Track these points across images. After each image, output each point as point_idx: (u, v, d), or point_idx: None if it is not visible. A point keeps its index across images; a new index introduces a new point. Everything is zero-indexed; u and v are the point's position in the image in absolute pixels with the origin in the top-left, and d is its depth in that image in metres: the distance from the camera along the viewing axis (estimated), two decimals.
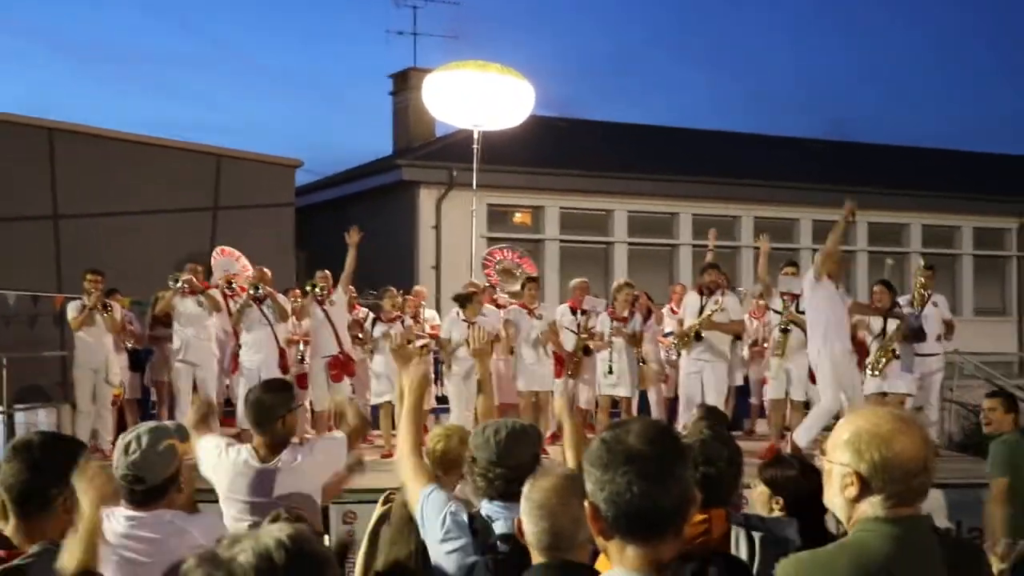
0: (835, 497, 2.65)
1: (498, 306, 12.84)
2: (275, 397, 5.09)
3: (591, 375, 12.46)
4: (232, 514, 4.96)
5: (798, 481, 4.41)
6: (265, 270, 12.59)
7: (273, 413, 5.01)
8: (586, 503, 2.29)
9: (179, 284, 11.99)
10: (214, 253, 13.66)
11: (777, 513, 4.20)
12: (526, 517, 2.95)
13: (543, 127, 22.15)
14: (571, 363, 12.29)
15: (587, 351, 12.29)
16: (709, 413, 5.38)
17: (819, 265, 10.73)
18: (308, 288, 12.35)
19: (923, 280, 12.06)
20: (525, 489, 3.00)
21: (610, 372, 12.05)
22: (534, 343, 12.09)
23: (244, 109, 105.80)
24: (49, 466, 3.26)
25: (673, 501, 2.22)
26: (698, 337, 11.69)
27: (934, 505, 2.76)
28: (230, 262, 13.26)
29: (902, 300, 12.06)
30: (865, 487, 2.57)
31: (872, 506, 2.56)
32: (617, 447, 2.24)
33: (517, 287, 13.55)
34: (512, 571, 3.26)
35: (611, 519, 2.22)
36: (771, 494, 4.29)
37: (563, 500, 2.90)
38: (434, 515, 3.77)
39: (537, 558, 2.94)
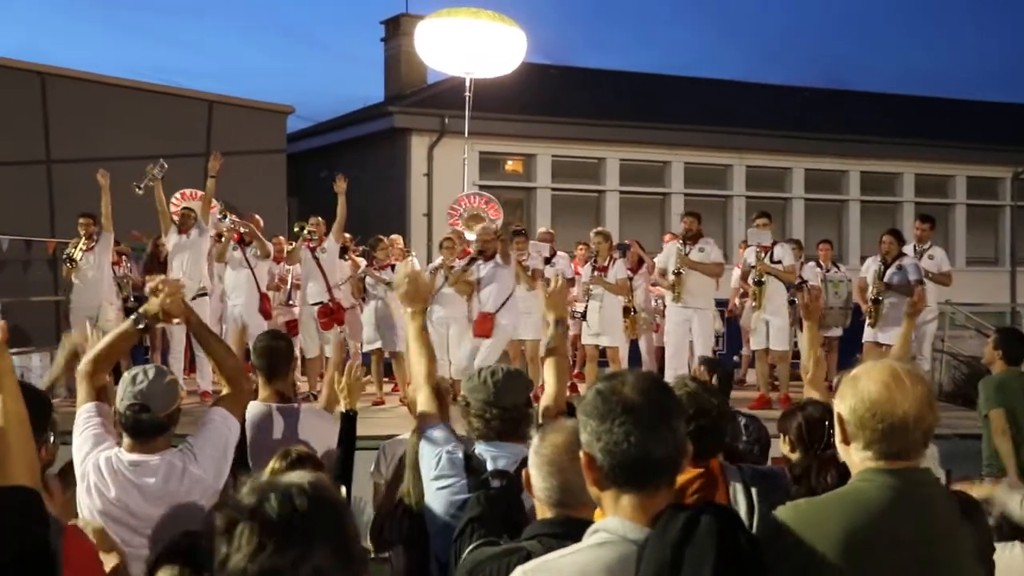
0: (838, 442, 2.69)
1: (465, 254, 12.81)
2: (287, 346, 5.23)
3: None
4: None
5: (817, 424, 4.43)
6: (257, 216, 12.57)
7: (287, 361, 5.15)
8: (581, 453, 2.32)
9: (148, 182, 11.85)
10: (173, 198, 13.37)
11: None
12: (536, 471, 2.89)
13: (535, 75, 22.04)
14: None
15: None
16: (711, 366, 5.40)
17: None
18: (297, 230, 12.34)
19: (918, 232, 12.15)
20: (535, 443, 2.95)
21: (583, 318, 12.09)
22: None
23: (236, 55, 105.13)
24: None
25: (668, 451, 2.26)
26: (677, 274, 11.74)
27: (927, 455, 2.80)
28: (195, 204, 13.05)
29: (907, 250, 12.16)
30: (845, 431, 2.60)
31: (861, 457, 2.58)
32: (613, 398, 2.28)
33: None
34: (503, 507, 3.31)
35: (607, 469, 2.26)
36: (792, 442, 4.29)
37: (574, 456, 2.79)
38: (430, 453, 3.81)
39: (544, 512, 2.91)
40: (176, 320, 4.36)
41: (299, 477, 1.67)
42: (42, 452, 3.31)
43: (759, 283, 11.88)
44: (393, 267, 12.33)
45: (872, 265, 11.91)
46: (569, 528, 2.79)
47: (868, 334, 11.67)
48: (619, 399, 2.27)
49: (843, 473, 4.10)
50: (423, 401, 4.06)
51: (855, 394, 2.56)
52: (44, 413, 3.42)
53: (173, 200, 12.79)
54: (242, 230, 12.05)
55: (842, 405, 2.60)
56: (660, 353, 13.25)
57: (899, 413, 2.51)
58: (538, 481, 2.88)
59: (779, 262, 11.87)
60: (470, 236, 13.71)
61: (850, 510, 2.51)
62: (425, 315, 4.30)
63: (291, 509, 1.60)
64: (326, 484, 1.69)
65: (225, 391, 4.22)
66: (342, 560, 1.61)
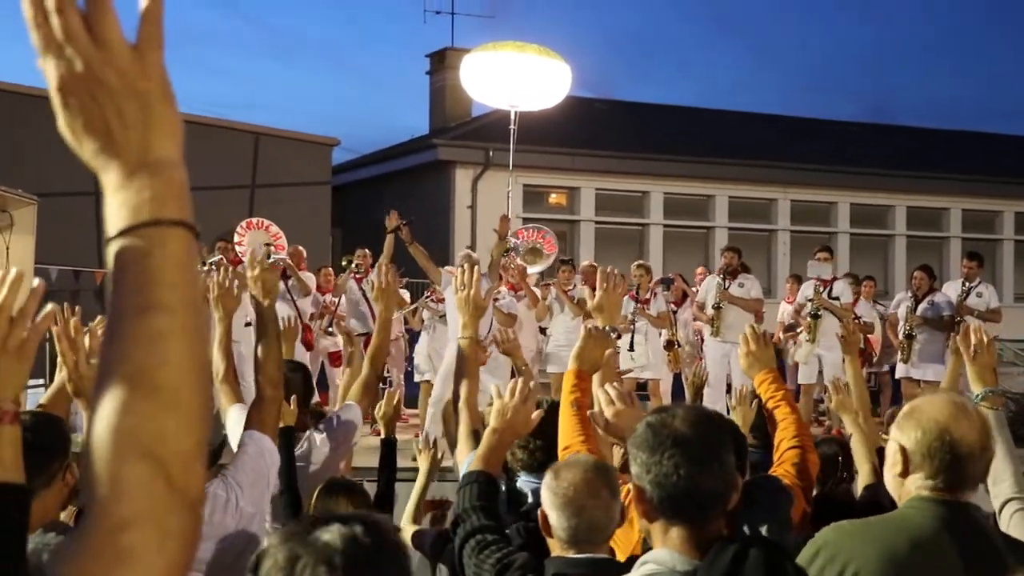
0: (887, 473, 2.67)
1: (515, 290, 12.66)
2: (303, 378, 5.02)
3: None
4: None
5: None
6: (300, 248, 12.66)
7: (302, 392, 4.91)
8: (631, 485, 2.32)
9: (206, 266, 12.07)
10: (238, 228, 13.57)
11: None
12: (554, 512, 2.80)
13: (580, 108, 22.08)
14: None
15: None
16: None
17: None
18: (344, 263, 12.44)
19: (966, 270, 12.06)
20: (549, 480, 2.86)
21: (630, 350, 12.01)
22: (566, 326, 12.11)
23: (281, 87, 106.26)
24: (46, 442, 3.23)
25: (718, 484, 2.26)
26: (716, 308, 11.73)
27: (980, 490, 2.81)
28: (260, 233, 13.23)
29: (953, 285, 12.04)
30: (907, 463, 2.58)
31: (917, 485, 2.57)
32: (663, 431, 2.28)
33: (543, 266, 13.59)
34: (542, 540, 3.28)
35: (656, 501, 2.25)
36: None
37: (593, 492, 2.78)
38: None
39: (561, 551, 2.83)
40: (266, 300, 4.12)
41: (364, 515, 1.67)
42: (66, 476, 3.33)
43: (815, 316, 11.81)
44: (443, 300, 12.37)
45: (904, 301, 11.85)
46: (597, 569, 2.72)
47: (901, 370, 11.65)
48: (669, 432, 2.27)
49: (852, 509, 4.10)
50: (463, 429, 4.02)
51: (919, 425, 2.56)
52: (62, 438, 3.43)
53: (238, 230, 12.93)
54: (291, 283, 12.18)
55: (904, 437, 2.58)
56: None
57: (969, 441, 2.52)
58: (559, 521, 2.79)
59: (837, 298, 11.83)
60: (531, 270, 13.67)
61: (891, 534, 2.51)
62: (475, 330, 4.24)
63: (355, 546, 1.59)
64: (389, 524, 1.70)
65: (255, 403, 3.96)
66: None
